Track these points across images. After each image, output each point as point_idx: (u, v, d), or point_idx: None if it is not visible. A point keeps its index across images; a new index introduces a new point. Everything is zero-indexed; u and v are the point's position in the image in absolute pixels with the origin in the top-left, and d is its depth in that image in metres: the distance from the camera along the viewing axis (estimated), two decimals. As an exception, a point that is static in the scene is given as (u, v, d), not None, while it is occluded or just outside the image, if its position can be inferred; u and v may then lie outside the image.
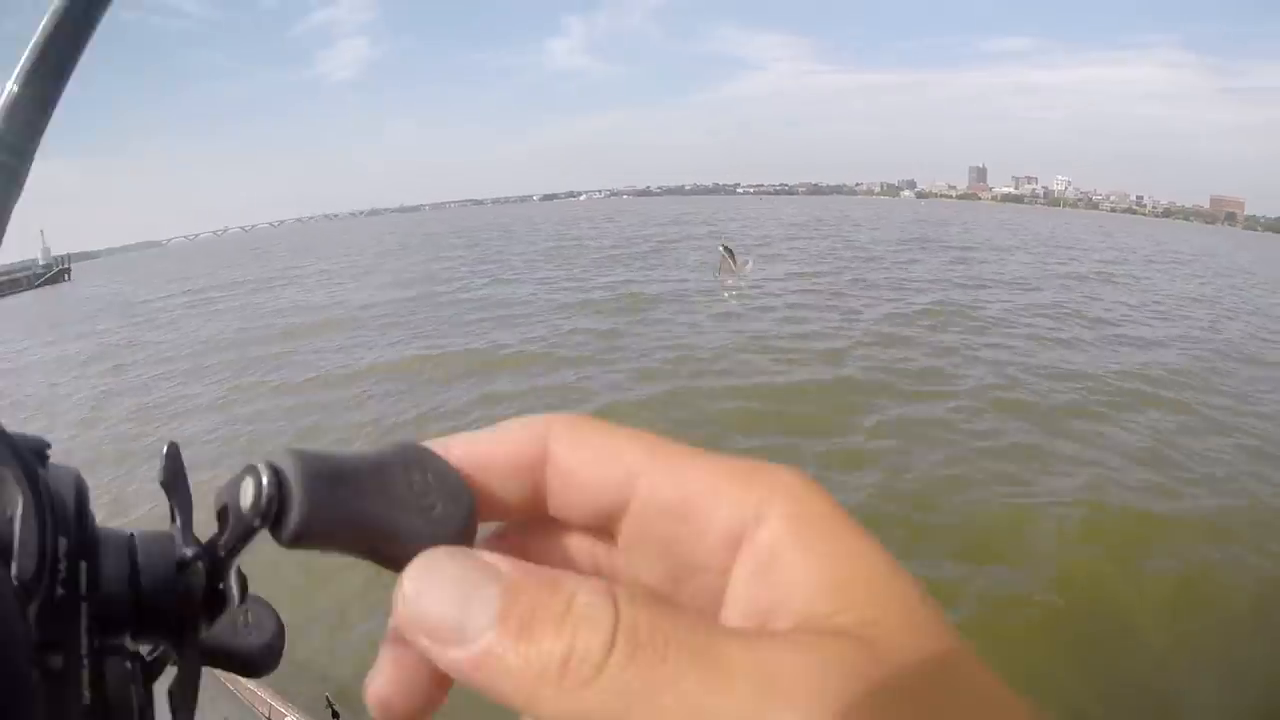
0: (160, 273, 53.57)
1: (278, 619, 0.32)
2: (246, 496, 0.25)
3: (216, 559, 0.27)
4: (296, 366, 13.43)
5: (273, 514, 0.24)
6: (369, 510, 0.25)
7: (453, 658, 0.23)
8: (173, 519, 0.29)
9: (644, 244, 34.11)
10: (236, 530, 0.26)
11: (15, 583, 0.23)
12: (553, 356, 12.40)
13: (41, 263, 70.50)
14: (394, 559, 0.25)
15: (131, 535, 0.28)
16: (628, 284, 20.00)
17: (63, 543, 0.25)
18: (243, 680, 2.94)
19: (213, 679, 2.64)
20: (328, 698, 3.18)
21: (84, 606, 0.26)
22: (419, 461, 0.27)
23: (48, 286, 63.80)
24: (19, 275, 66.98)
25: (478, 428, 0.30)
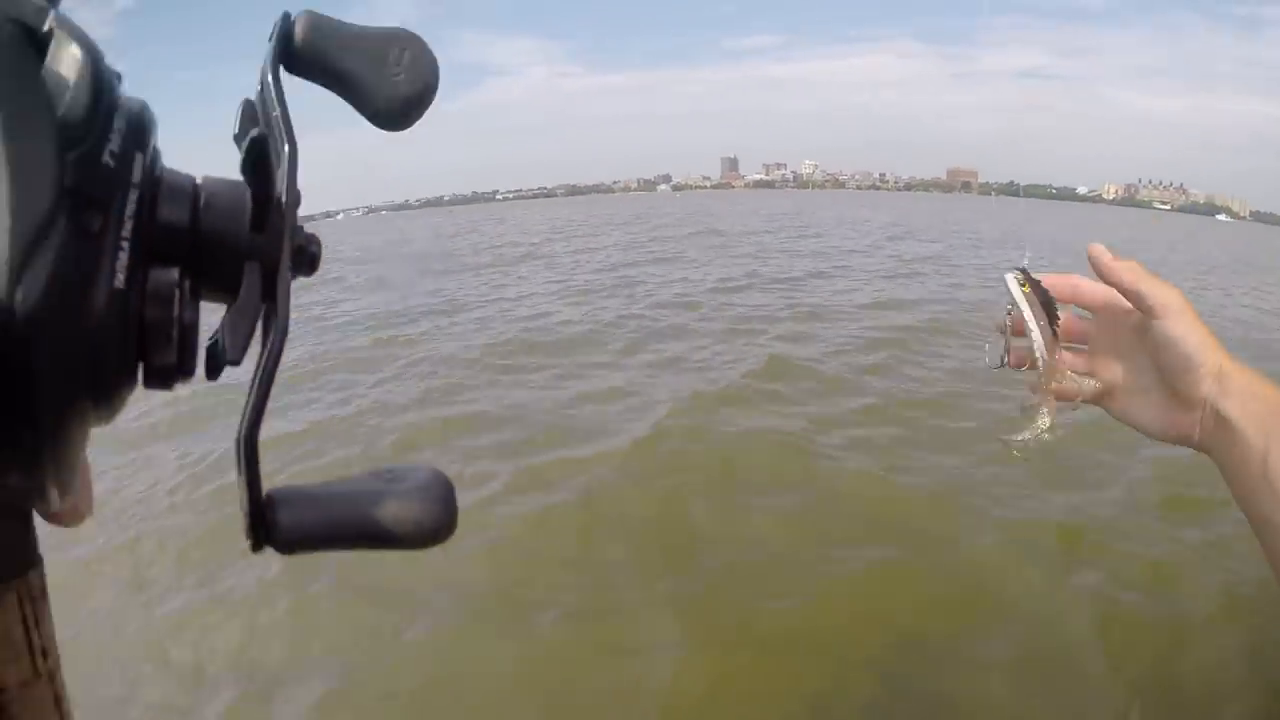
0: None
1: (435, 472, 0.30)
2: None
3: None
4: None
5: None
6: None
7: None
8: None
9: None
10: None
11: (58, 116, 0.23)
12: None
13: None
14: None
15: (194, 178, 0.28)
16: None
17: (119, 122, 0.25)
18: None
19: None
20: None
21: (133, 194, 0.24)
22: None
23: None
24: None
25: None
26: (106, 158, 0.24)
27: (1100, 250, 0.73)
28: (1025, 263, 0.80)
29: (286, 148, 0.28)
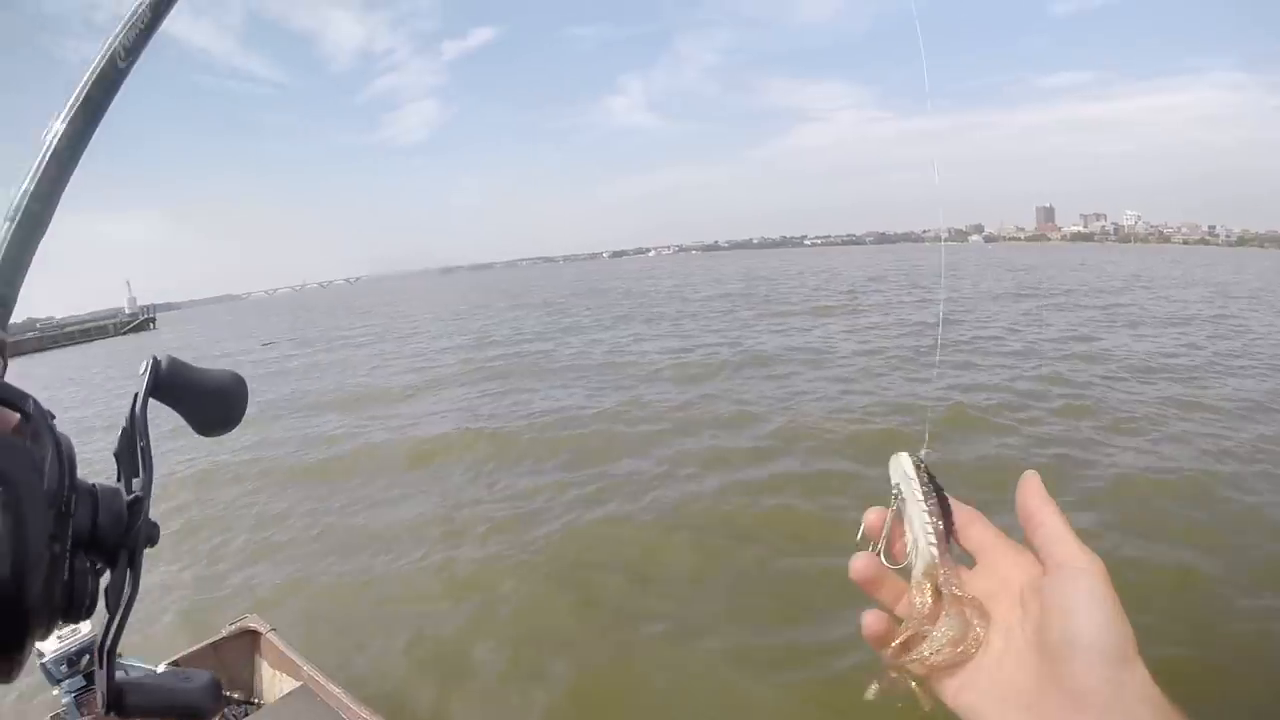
0: (237, 325, 57.21)
1: (211, 676, 0.51)
2: None
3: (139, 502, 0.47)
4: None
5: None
6: None
7: None
8: (118, 478, 0.49)
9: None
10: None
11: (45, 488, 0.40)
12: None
13: (128, 311, 75.79)
14: None
15: (94, 485, 0.46)
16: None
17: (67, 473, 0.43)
18: (355, 708, 3.14)
19: (324, 706, 3.25)
20: None
21: (70, 522, 0.43)
22: None
23: (132, 334, 66.97)
24: (106, 323, 71.86)
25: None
26: (63, 506, 0.42)
27: (1033, 479, 0.59)
28: (923, 454, 0.67)
29: (142, 470, 0.49)
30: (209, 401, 0.57)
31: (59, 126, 0.53)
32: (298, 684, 3.54)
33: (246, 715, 3.56)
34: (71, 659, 3.13)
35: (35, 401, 0.42)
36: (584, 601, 5.46)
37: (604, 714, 4.21)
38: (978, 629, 0.57)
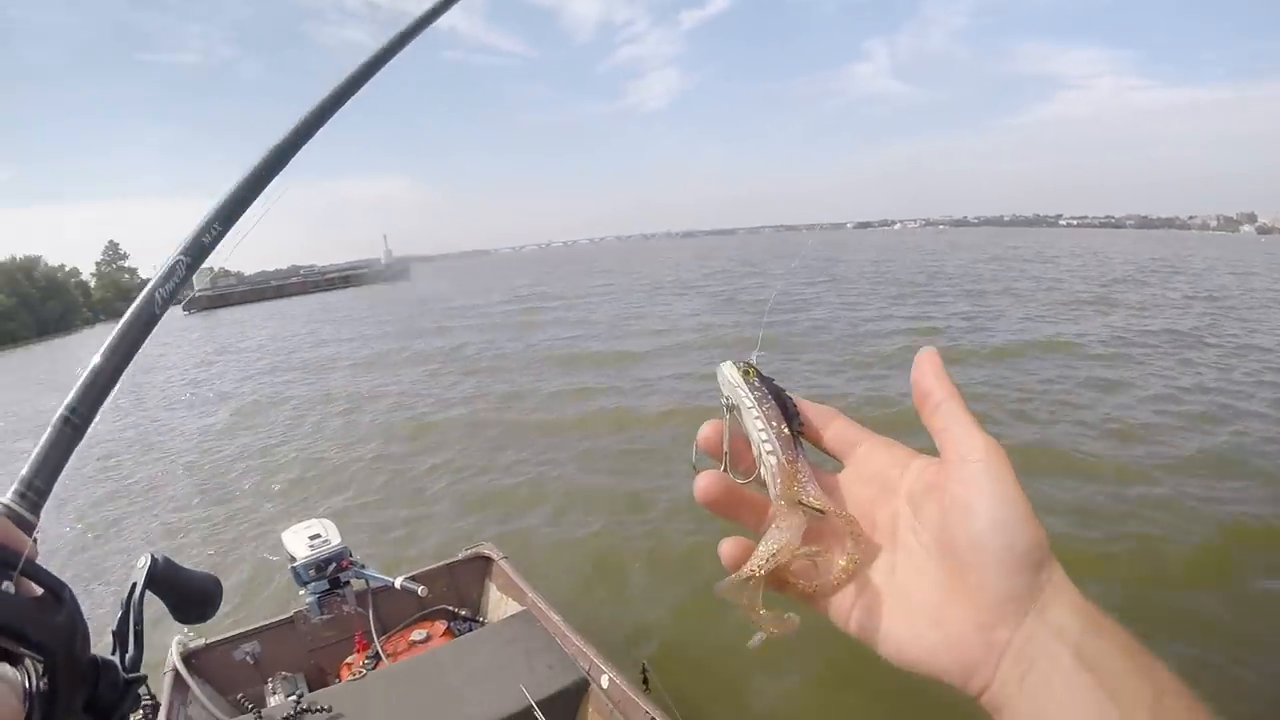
0: (483, 278, 60.56)
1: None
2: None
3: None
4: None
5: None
6: None
7: None
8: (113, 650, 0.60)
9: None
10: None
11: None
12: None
13: (384, 262, 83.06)
14: None
15: (99, 659, 0.53)
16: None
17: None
18: (570, 636, 3.31)
19: (543, 630, 3.43)
20: (644, 665, 3.44)
21: (85, 689, 0.52)
22: None
23: (387, 283, 73.67)
24: (364, 271, 79.15)
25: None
26: (83, 676, 0.51)
27: (930, 355, 0.52)
28: (754, 358, 0.57)
29: (133, 648, 0.62)
30: (192, 599, 0.72)
31: (98, 361, 0.62)
32: (521, 608, 3.75)
33: (471, 630, 3.80)
34: (320, 564, 3.38)
35: (69, 589, 0.51)
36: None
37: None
38: (853, 542, 0.50)
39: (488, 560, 4.24)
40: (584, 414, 10.55)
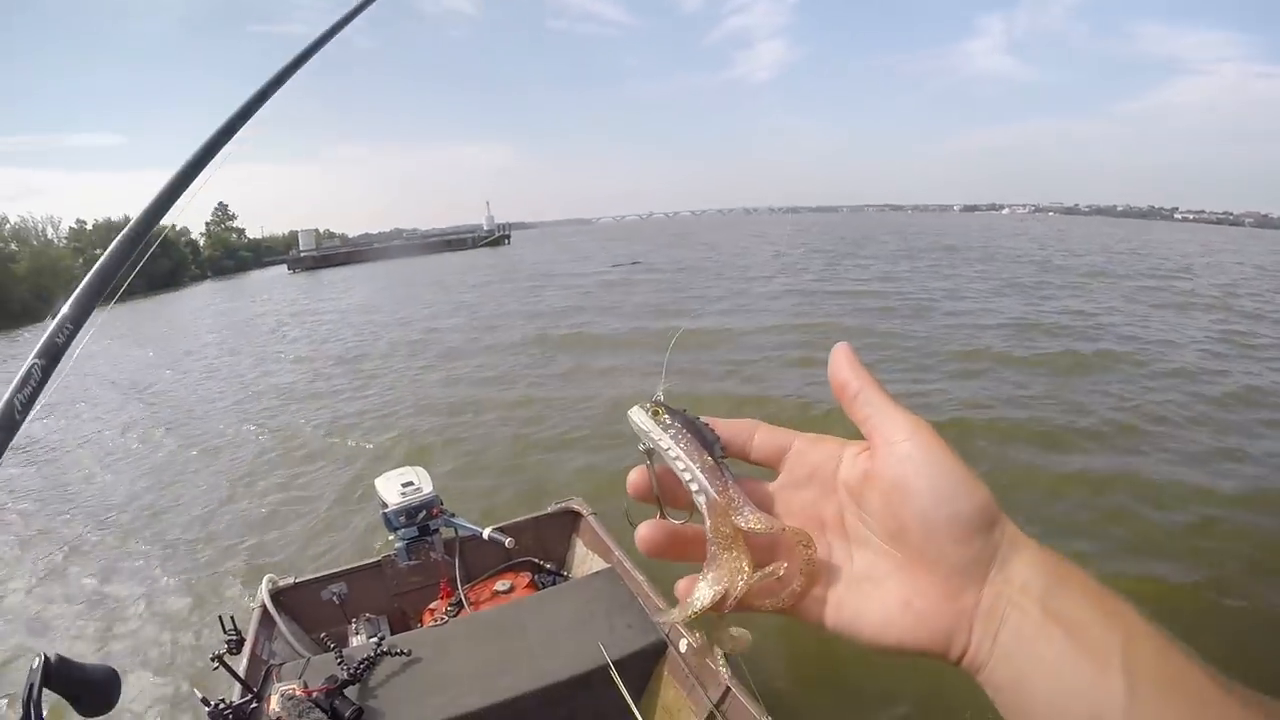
0: (581, 247, 61.19)
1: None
2: None
3: None
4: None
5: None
6: None
7: None
8: None
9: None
10: None
11: None
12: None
13: (485, 228, 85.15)
14: None
15: None
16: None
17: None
18: (653, 596, 3.26)
19: (625, 589, 3.36)
20: None
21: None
22: None
23: (489, 248, 74.92)
24: (466, 236, 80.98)
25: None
26: None
27: (843, 349, 0.52)
28: (660, 394, 0.56)
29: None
30: (89, 693, 0.77)
31: None
32: (606, 565, 3.74)
33: (555, 584, 3.81)
34: (410, 511, 3.44)
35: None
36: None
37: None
38: (805, 550, 0.49)
39: (576, 515, 4.24)
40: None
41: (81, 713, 0.83)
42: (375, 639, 3.15)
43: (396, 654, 2.98)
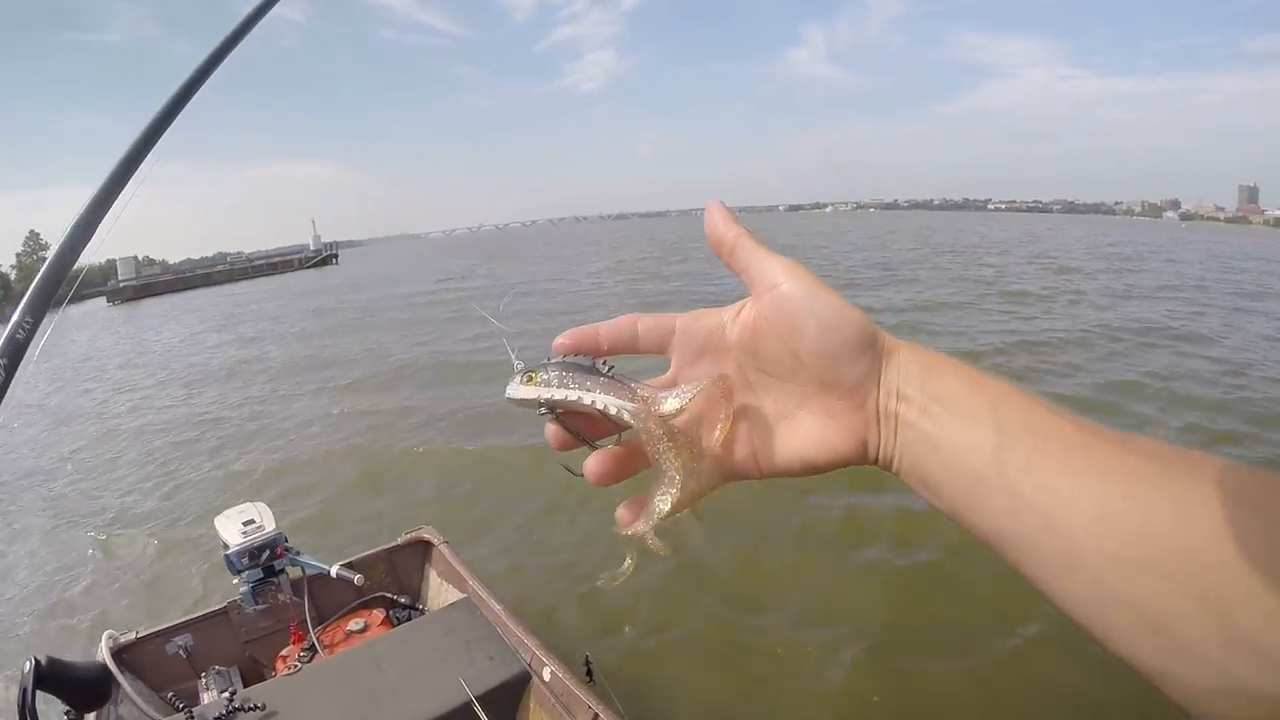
0: (413, 266, 58.85)
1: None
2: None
3: None
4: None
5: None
6: None
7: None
8: None
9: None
10: None
11: None
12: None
13: (312, 248, 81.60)
14: None
15: None
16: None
17: None
18: (512, 626, 3.22)
19: (484, 620, 3.31)
20: (587, 657, 3.32)
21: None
22: None
23: (315, 269, 71.86)
24: (291, 257, 77.39)
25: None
26: None
27: (715, 205, 0.56)
28: (519, 364, 0.56)
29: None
30: (83, 691, 0.91)
31: None
32: (462, 595, 3.64)
33: (410, 618, 3.68)
34: (254, 552, 3.26)
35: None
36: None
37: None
38: (724, 400, 0.52)
39: (428, 545, 4.11)
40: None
41: (75, 709, 0.77)
42: (227, 694, 2.94)
43: (250, 709, 2.79)
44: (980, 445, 0.44)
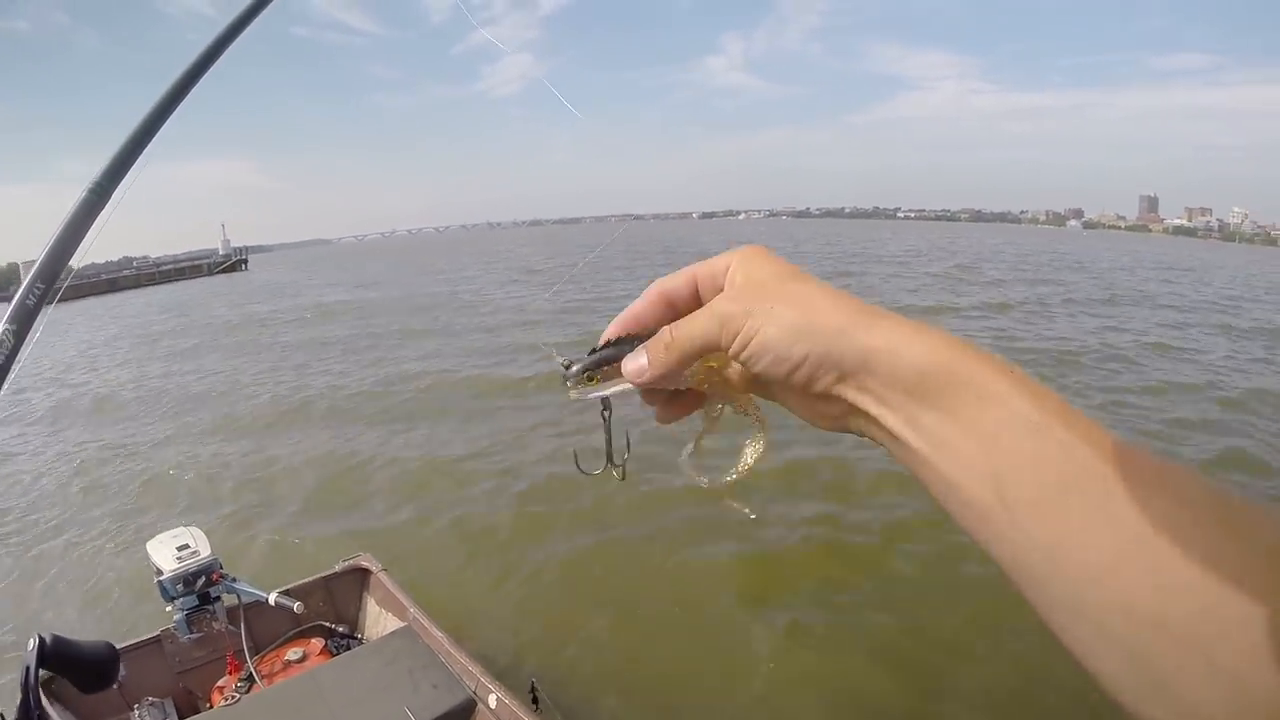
0: (321, 271, 57.45)
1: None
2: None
3: None
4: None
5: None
6: None
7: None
8: None
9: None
10: None
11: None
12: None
13: (221, 253, 78.85)
14: None
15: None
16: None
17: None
18: (455, 653, 3.22)
19: (425, 648, 3.31)
20: (533, 682, 3.38)
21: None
22: None
23: (224, 274, 69.26)
24: (200, 262, 74.44)
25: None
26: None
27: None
28: (560, 361, 0.57)
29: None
30: (89, 670, 0.76)
31: None
32: (402, 624, 3.60)
33: (349, 648, 3.63)
34: (188, 579, 3.16)
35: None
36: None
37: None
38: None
39: (366, 572, 4.03)
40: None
41: (83, 690, 0.71)
42: (162, 728, 2.85)
43: None
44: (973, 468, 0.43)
